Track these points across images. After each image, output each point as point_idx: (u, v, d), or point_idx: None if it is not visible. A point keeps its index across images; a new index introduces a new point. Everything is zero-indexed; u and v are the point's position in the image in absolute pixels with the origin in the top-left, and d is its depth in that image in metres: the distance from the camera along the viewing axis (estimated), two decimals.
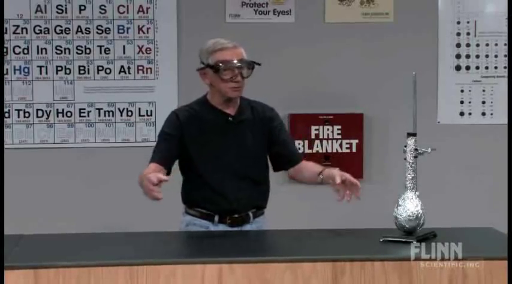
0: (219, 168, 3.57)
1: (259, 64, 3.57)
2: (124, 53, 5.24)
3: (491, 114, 5.44)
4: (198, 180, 3.61)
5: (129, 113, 5.25)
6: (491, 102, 5.43)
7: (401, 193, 3.22)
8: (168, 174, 3.56)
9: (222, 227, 3.58)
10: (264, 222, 3.69)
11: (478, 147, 5.41)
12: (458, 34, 5.40)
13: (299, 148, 5.27)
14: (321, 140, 5.32)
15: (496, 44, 5.41)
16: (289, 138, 3.80)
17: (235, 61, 3.50)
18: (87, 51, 5.21)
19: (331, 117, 5.32)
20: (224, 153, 3.57)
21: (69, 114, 5.22)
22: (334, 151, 5.32)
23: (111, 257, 2.98)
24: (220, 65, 3.49)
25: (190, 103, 3.70)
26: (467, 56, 5.41)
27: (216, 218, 3.58)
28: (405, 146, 3.24)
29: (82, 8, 5.20)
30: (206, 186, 3.58)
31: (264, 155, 3.68)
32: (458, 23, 5.39)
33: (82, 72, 5.21)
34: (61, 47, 5.20)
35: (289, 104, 5.27)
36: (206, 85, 3.61)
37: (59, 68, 5.20)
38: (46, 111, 5.20)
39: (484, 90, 5.43)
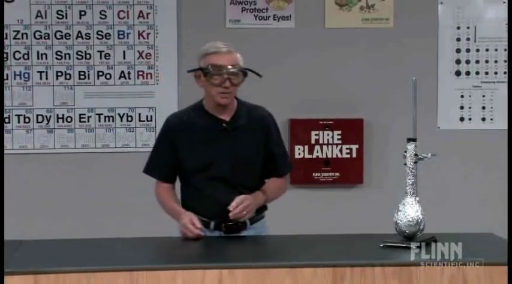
0: (211, 177, 3.52)
1: (256, 72, 3.53)
2: (124, 58, 5.24)
3: (491, 119, 5.44)
4: (191, 187, 3.59)
5: (129, 118, 5.25)
6: (491, 108, 5.43)
7: (402, 199, 3.22)
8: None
9: (218, 234, 3.54)
10: (263, 228, 3.65)
11: (478, 152, 5.41)
12: (458, 39, 5.40)
13: (299, 154, 5.28)
14: (321, 145, 5.31)
15: (496, 49, 5.41)
16: (278, 149, 3.66)
17: (225, 66, 3.45)
18: (87, 56, 5.21)
19: (331, 122, 5.31)
20: (216, 162, 3.52)
21: (69, 119, 5.22)
22: (334, 156, 5.31)
23: (111, 263, 2.98)
24: (211, 69, 3.45)
25: (187, 108, 3.67)
26: (467, 62, 5.41)
27: (212, 225, 3.55)
28: (405, 151, 3.24)
29: (82, 13, 5.20)
30: (199, 193, 3.55)
31: (259, 162, 3.60)
32: (458, 28, 5.40)
33: (82, 77, 5.21)
34: (61, 52, 5.20)
35: (289, 109, 5.27)
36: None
37: (59, 73, 5.20)
38: (46, 116, 5.20)
39: (484, 96, 5.43)
